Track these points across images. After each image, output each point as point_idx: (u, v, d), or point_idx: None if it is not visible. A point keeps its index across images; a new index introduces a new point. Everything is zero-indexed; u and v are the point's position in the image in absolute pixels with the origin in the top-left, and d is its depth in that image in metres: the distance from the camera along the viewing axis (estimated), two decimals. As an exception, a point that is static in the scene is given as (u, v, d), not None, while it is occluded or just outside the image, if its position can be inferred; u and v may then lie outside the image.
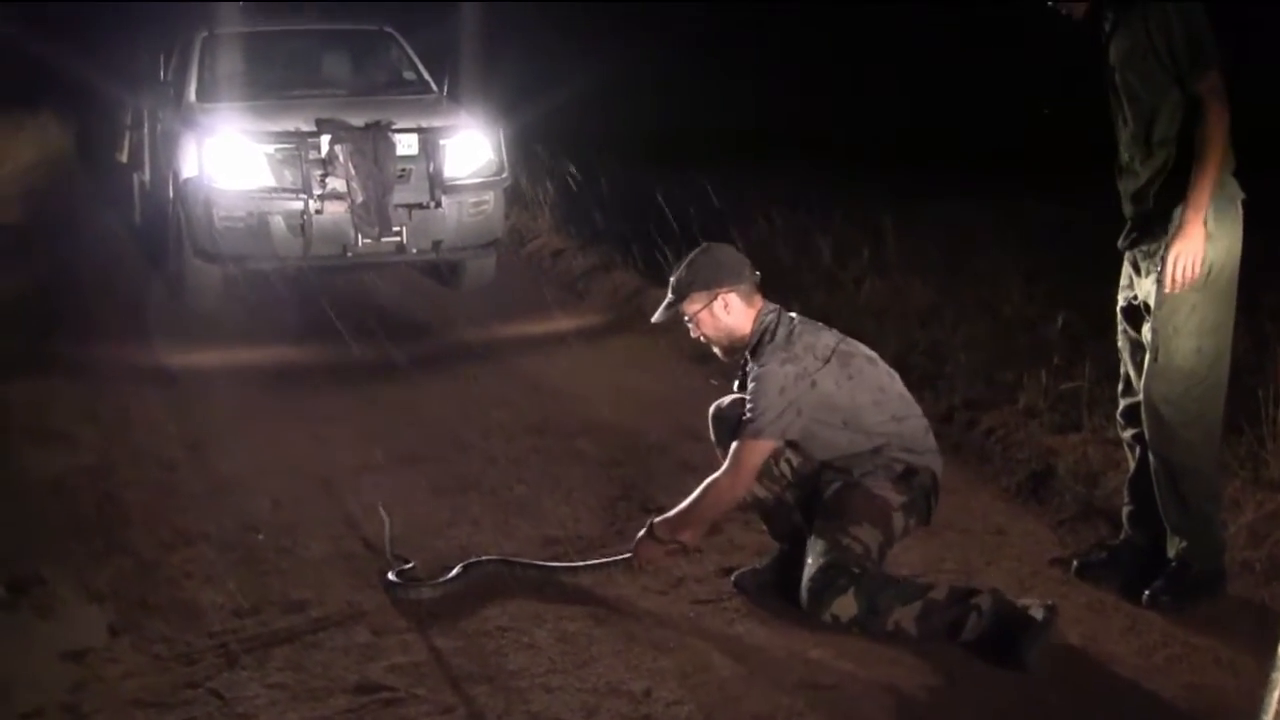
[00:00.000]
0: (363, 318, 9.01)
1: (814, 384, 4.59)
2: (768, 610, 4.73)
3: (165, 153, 9.99)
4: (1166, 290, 4.49)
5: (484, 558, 5.07)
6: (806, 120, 14.19)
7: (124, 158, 12.26)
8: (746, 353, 4.76)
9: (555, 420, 6.97)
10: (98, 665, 4.33)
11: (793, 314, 4.79)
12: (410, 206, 9.07)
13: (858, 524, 4.53)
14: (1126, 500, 5.02)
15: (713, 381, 6.94)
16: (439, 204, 9.19)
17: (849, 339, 4.78)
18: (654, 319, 4.98)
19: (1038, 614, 4.32)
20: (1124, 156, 4.72)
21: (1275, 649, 1.88)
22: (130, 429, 6.98)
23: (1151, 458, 4.71)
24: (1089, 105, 5.38)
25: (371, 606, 4.76)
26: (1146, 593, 4.65)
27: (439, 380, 7.91)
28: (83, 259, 11.08)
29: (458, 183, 9.40)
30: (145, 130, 11.09)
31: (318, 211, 8.88)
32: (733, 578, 4.96)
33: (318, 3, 12.04)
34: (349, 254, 9.06)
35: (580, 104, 14.21)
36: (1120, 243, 4.81)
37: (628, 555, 4.85)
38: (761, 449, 4.62)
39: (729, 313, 4.72)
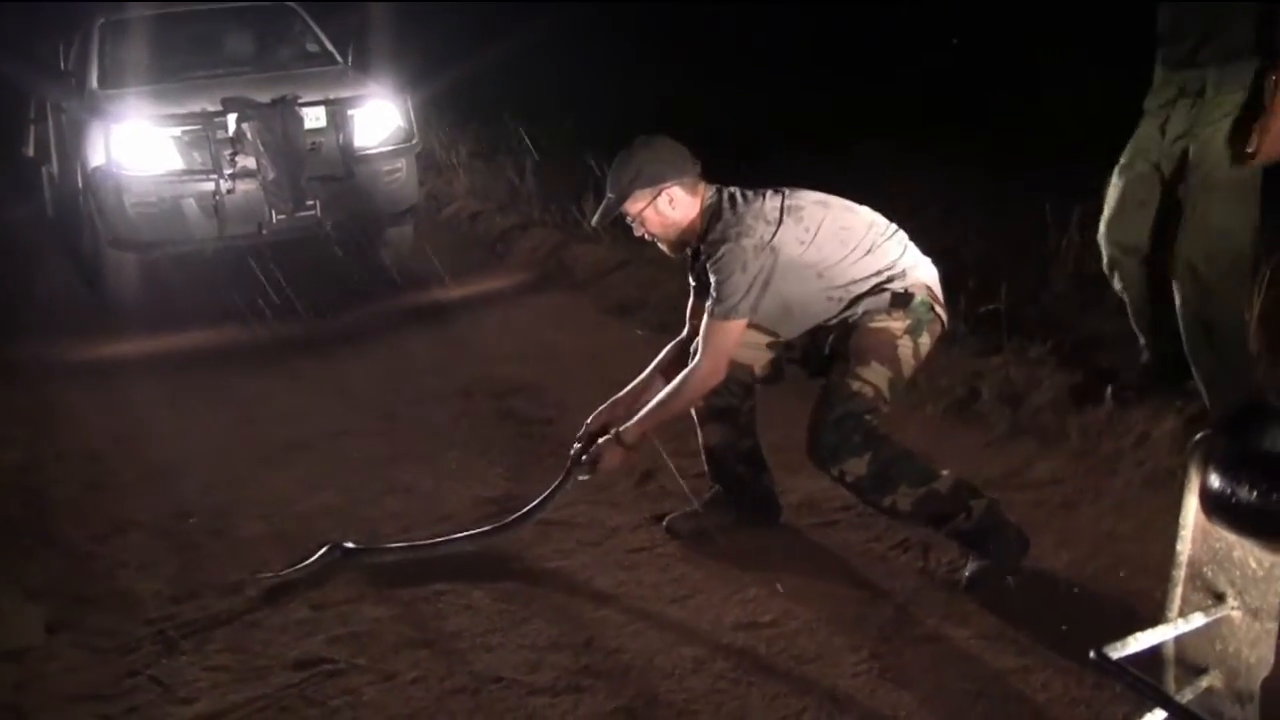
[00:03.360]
0: (284, 295, 8.96)
1: (774, 250, 4.42)
2: (703, 554, 4.77)
3: (72, 143, 9.86)
4: (1259, 159, 4.71)
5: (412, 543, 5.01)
6: (704, 81, 14.13)
7: (30, 151, 12.09)
8: (696, 241, 4.61)
9: (484, 383, 6.97)
10: (37, 664, 4.30)
11: (731, 188, 4.61)
12: (323, 179, 9.00)
13: (864, 364, 4.39)
14: (1138, 330, 5.40)
15: (638, 332, 6.99)
16: (351, 174, 9.13)
17: (793, 190, 4.58)
18: (594, 221, 4.83)
19: (1010, 547, 4.37)
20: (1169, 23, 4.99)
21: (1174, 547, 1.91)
22: (55, 424, 6.92)
23: (1183, 313, 4.97)
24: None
25: (309, 581, 4.74)
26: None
27: (365, 352, 7.91)
28: (-3, 256, 10.96)
29: (369, 152, 9.33)
30: (50, 122, 10.93)
31: (230, 191, 8.79)
32: (665, 523, 4.98)
33: None
34: (264, 231, 8.98)
35: (490, 68, 14.11)
36: (1151, 102, 5.08)
37: (582, 475, 4.72)
38: (734, 329, 4.46)
39: (675, 207, 4.54)
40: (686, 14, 15.80)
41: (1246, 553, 1.85)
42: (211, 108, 8.90)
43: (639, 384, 4.84)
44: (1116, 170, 5.24)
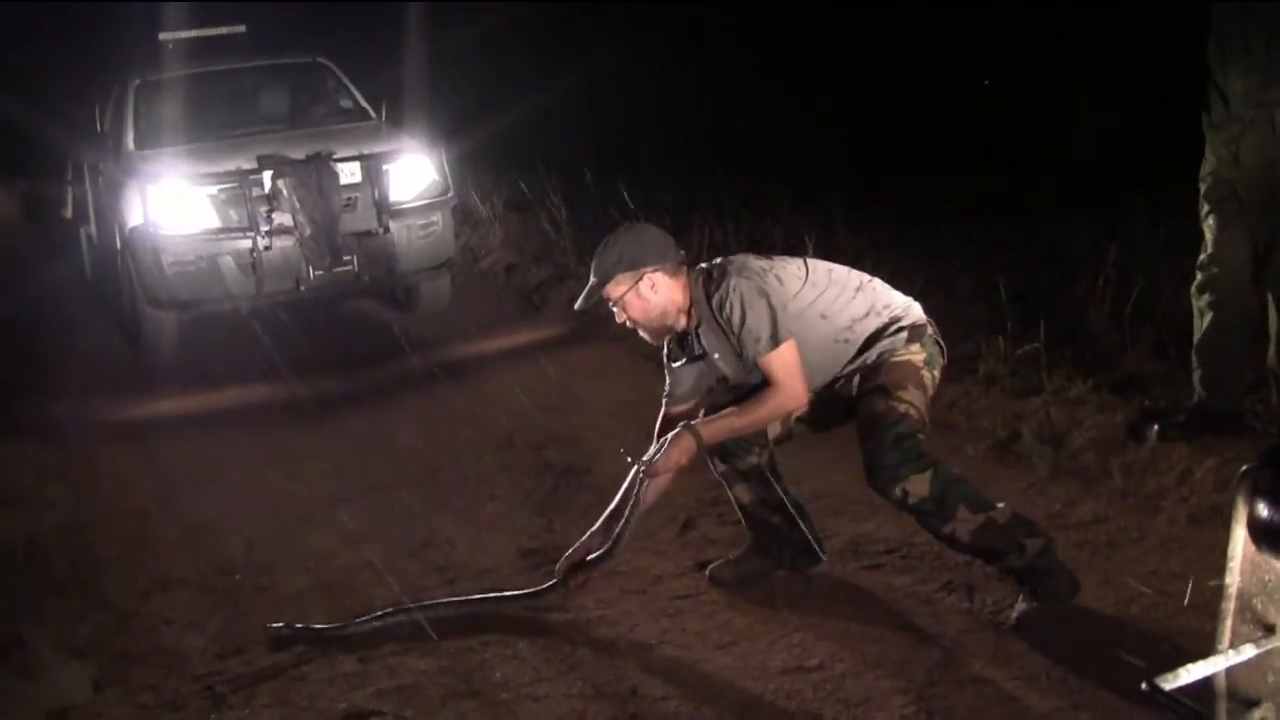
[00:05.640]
0: (323, 351, 9.02)
1: (779, 279, 4.49)
2: (747, 600, 4.76)
3: (109, 204, 9.94)
4: None
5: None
6: (747, 124, 14.19)
7: (69, 213, 12.20)
8: (693, 310, 4.61)
9: (522, 434, 6.97)
10: (84, 721, 4.33)
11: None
12: (359, 234, 9.06)
13: (901, 388, 4.42)
14: (1196, 365, 5.49)
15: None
16: (387, 229, 9.18)
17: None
18: (577, 306, 4.80)
19: (1060, 588, 4.37)
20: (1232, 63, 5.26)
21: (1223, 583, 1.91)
22: (99, 484, 6.95)
23: None
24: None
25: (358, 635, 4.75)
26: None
27: (404, 406, 7.92)
28: (37, 318, 11.01)
29: (404, 206, 9.38)
30: (87, 183, 11.04)
31: (267, 248, 8.85)
32: (708, 571, 4.98)
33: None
34: (302, 287, 9.03)
35: (523, 120, 14.19)
36: (1218, 136, 5.35)
37: (640, 469, 4.65)
38: (790, 351, 4.43)
39: (656, 292, 4.56)
40: (714, 65, 15.88)
41: (1296, 583, 1.85)
42: (247, 165, 8.98)
43: (609, 514, 4.82)
44: (1202, 197, 5.43)
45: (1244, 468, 1.85)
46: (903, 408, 4.38)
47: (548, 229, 11.36)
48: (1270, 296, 5.32)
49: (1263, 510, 1.76)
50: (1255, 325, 5.43)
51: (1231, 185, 5.28)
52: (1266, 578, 1.87)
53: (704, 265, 4.67)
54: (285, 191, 8.79)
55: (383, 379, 8.45)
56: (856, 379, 4.58)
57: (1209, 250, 5.40)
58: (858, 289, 4.61)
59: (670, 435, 4.60)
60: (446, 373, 8.39)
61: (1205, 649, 2.00)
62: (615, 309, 4.66)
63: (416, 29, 15.75)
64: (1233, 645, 1.91)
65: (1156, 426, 5.51)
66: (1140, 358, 6.34)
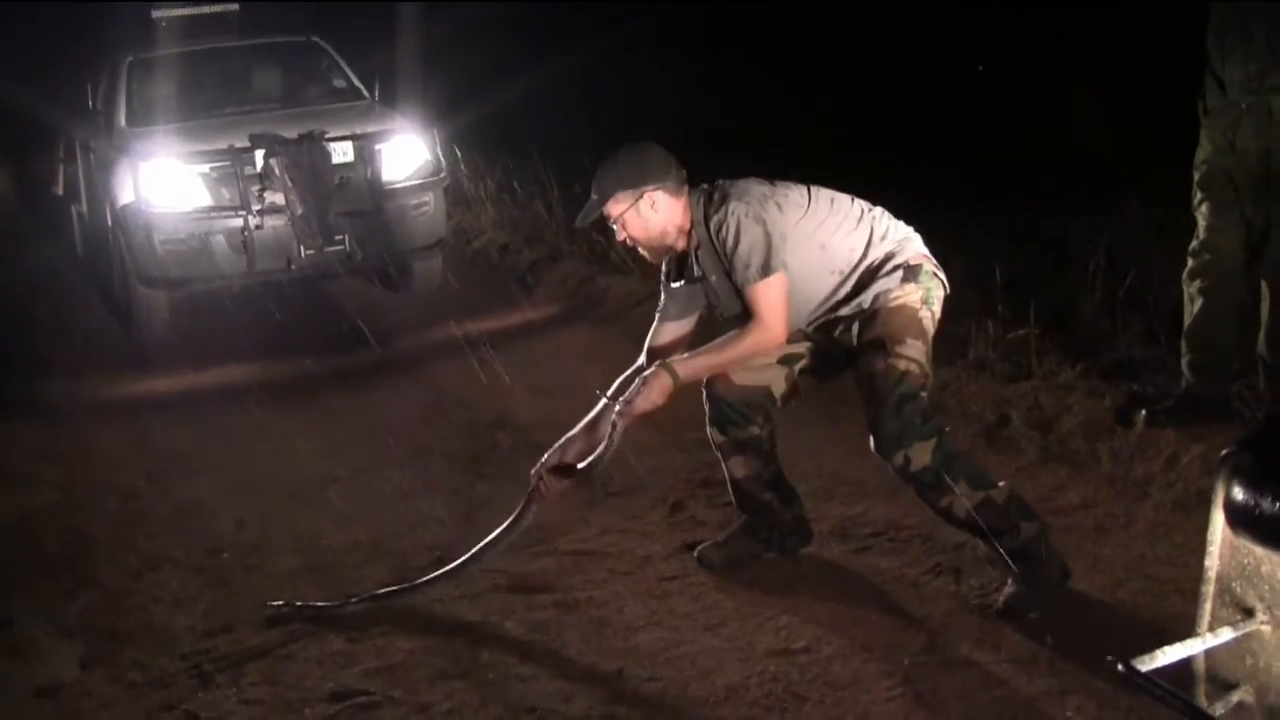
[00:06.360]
0: (314, 330, 9.01)
1: (779, 207, 4.43)
2: (735, 582, 4.77)
3: (101, 181, 9.92)
4: None
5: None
6: (740, 113, 14.15)
7: (60, 190, 12.16)
8: (693, 231, 4.55)
9: (513, 415, 6.97)
10: (72, 700, 4.34)
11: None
12: (351, 214, 9.04)
13: (900, 343, 4.35)
14: (1185, 351, 5.53)
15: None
16: (380, 209, 9.17)
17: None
18: (577, 223, 4.75)
19: (1050, 576, 4.38)
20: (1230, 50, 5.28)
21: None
22: (90, 463, 6.94)
23: (1274, 317, 5.34)
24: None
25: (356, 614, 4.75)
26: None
27: (395, 385, 7.92)
28: (28, 296, 10.98)
29: (396, 186, 9.38)
30: (79, 161, 11.02)
31: (258, 227, 8.84)
32: (696, 552, 4.98)
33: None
34: (294, 267, 9.03)
35: (517, 103, 14.15)
36: (1214, 124, 5.35)
37: (615, 413, 4.54)
38: (779, 285, 4.37)
39: (657, 211, 4.50)
40: (713, 45, 15.84)
41: (1275, 567, 1.86)
42: (239, 144, 8.96)
43: (589, 421, 4.79)
44: (1196, 184, 5.44)
45: (1224, 452, 1.86)
46: (902, 365, 4.32)
47: (540, 210, 11.35)
48: (1262, 283, 5.33)
49: (1238, 494, 1.77)
50: (1245, 312, 5.44)
51: (1227, 172, 5.29)
52: (1245, 561, 1.88)
53: (706, 186, 4.58)
54: (277, 170, 8.78)
55: (373, 360, 8.44)
56: (856, 327, 4.51)
57: (1201, 237, 5.41)
58: (859, 219, 4.54)
59: (647, 374, 4.52)
60: (437, 353, 8.39)
61: (1189, 633, 2.01)
62: (615, 227, 4.60)
63: (411, 7, 15.69)
64: (1212, 628, 1.92)
65: (1145, 412, 5.53)
66: (1130, 343, 6.34)
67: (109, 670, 4.50)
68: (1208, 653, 1.94)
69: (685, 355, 4.57)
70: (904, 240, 4.57)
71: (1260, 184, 5.20)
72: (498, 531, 4.78)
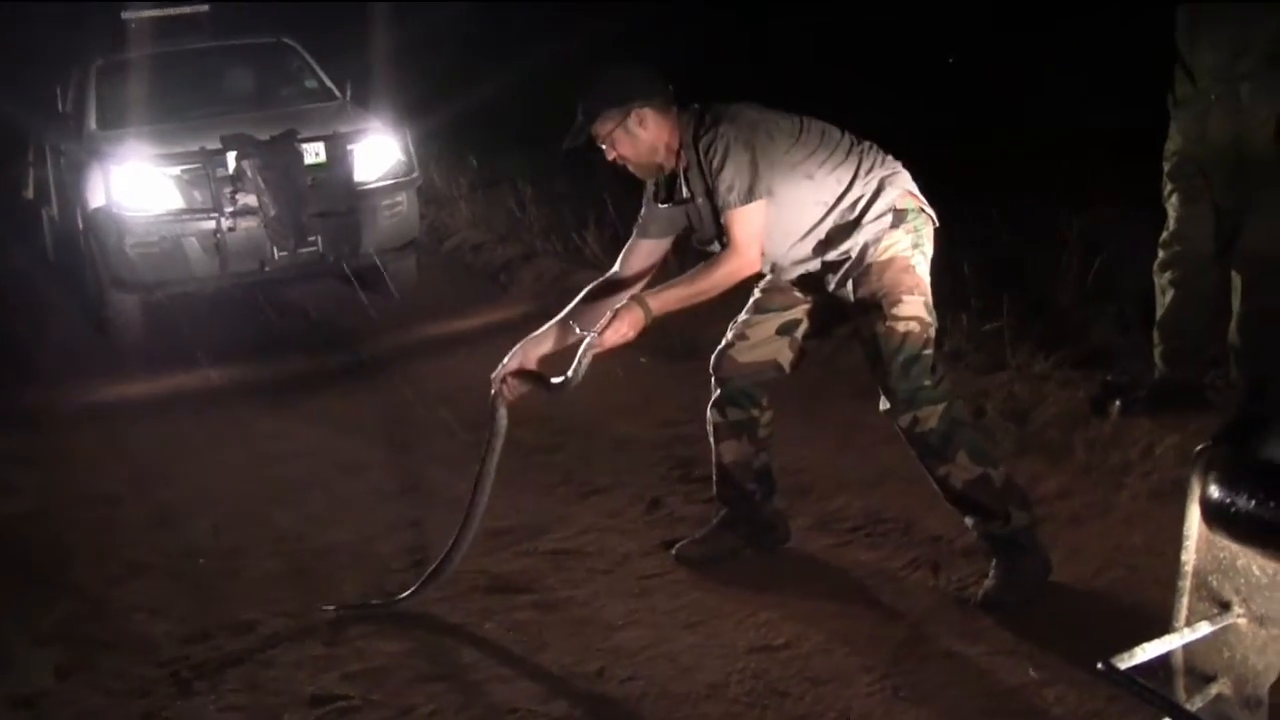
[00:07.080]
0: (289, 332, 9.00)
1: (770, 135, 4.37)
2: (714, 579, 4.78)
3: (72, 185, 9.87)
4: None
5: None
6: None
7: (30, 194, 12.10)
8: (682, 151, 4.46)
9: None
10: (51, 709, 4.32)
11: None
12: (324, 215, 8.99)
13: (897, 302, 4.31)
14: (1158, 341, 5.55)
15: (642, 360, 6.98)
16: (353, 209, 9.14)
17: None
18: (565, 145, 4.56)
19: (1032, 570, 4.38)
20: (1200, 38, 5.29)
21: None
22: (68, 469, 6.92)
23: (1245, 306, 5.32)
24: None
25: (323, 619, 4.74)
26: None
27: (372, 386, 7.91)
28: None
29: (369, 186, 9.35)
30: (49, 164, 10.96)
31: (231, 229, 8.81)
32: (675, 550, 4.98)
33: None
34: (267, 268, 9.01)
35: (488, 102, 14.13)
36: (1183, 113, 5.36)
37: (587, 342, 4.34)
38: (757, 213, 4.30)
39: (645, 128, 4.40)
40: (686, 42, 15.85)
41: (1250, 560, 1.87)
42: (211, 146, 8.92)
43: (558, 321, 4.71)
44: (1166, 175, 5.46)
45: (1199, 446, 1.87)
46: (902, 327, 4.29)
47: (513, 208, 11.34)
48: (1234, 273, 5.35)
49: (1213, 492, 1.78)
50: (1216, 302, 5.46)
51: (1197, 162, 5.30)
52: (1221, 555, 1.89)
53: (697, 107, 4.50)
54: (249, 172, 8.75)
55: (349, 361, 8.43)
56: (850, 285, 4.44)
57: (1171, 228, 5.42)
58: (848, 151, 4.48)
59: (618, 306, 4.43)
60: (413, 354, 8.38)
61: (1168, 623, 2.02)
62: (604, 147, 4.50)
63: (382, 7, 15.66)
64: (1189, 622, 1.93)
65: (1119, 402, 5.54)
66: (1103, 333, 6.36)
67: (87, 678, 4.48)
68: (1186, 647, 1.95)
69: (657, 289, 4.48)
70: (892, 175, 4.50)
71: (1233, 171, 5.22)
72: (482, 465, 4.79)
